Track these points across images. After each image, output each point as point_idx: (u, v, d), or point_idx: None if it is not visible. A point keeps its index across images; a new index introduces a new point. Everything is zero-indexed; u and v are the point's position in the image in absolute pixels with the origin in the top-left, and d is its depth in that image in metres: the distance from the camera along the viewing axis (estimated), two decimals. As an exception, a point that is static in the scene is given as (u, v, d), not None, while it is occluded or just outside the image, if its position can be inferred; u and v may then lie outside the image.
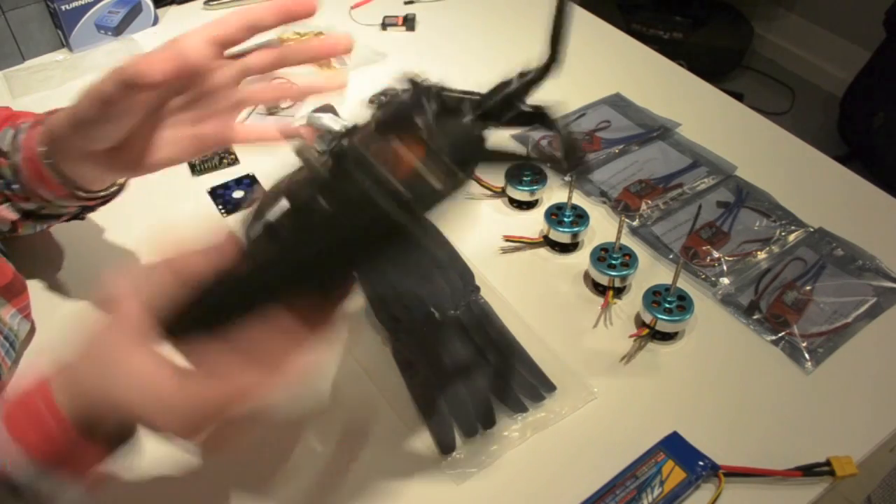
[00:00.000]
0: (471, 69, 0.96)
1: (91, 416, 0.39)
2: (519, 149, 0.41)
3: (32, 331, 0.63)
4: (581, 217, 0.70)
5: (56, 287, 0.68)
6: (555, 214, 0.70)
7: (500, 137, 0.42)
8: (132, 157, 0.52)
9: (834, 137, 2.09)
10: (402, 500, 0.53)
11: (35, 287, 0.67)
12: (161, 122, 0.52)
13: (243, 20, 0.49)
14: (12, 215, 0.60)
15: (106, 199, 0.60)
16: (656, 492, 0.52)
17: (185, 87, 0.51)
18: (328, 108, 0.83)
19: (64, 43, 1.00)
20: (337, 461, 0.55)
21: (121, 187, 0.61)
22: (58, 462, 0.39)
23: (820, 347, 0.62)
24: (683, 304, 0.62)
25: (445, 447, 0.55)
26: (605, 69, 0.96)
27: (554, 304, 0.66)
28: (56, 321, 0.64)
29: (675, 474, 0.52)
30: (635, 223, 0.73)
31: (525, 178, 0.74)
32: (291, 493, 0.53)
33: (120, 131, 0.49)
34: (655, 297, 0.62)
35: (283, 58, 0.52)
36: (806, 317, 0.64)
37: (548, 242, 0.71)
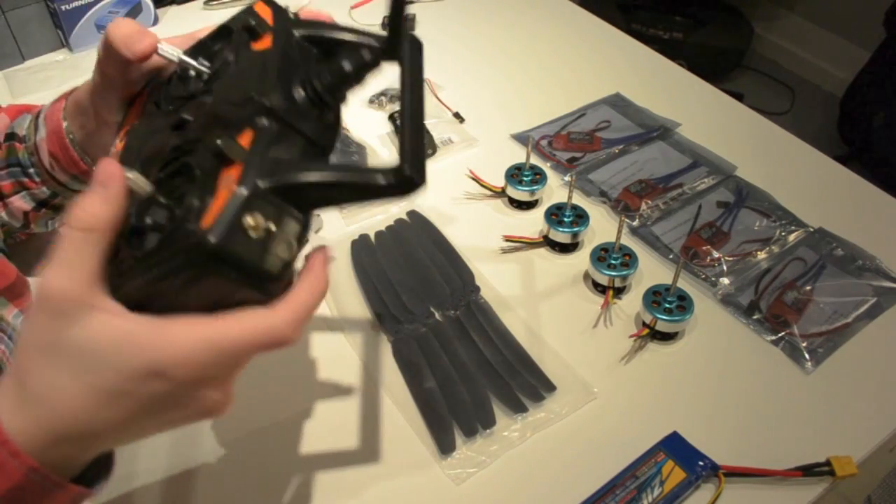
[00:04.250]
0: (471, 69, 0.96)
1: (62, 451, 0.34)
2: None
3: None
4: (581, 217, 0.70)
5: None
6: (555, 214, 0.70)
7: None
8: None
9: (834, 137, 2.09)
10: (402, 500, 0.53)
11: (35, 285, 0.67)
12: None
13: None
14: (26, 205, 0.60)
15: None
16: (656, 492, 0.52)
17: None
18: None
19: (64, 43, 1.00)
20: (337, 461, 0.55)
21: None
22: None
23: (820, 347, 0.62)
24: (683, 304, 0.62)
25: (445, 447, 0.55)
26: (605, 69, 0.96)
27: (554, 304, 0.66)
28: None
29: (675, 474, 0.52)
30: (635, 223, 0.73)
31: (525, 178, 0.74)
32: (291, 493, 0.53)
33: (124, 96, 0.48)
34: (655, 297, 0.62)
35: None
36: (806, 317, 0.64)
37: (548, 242, 0.71)
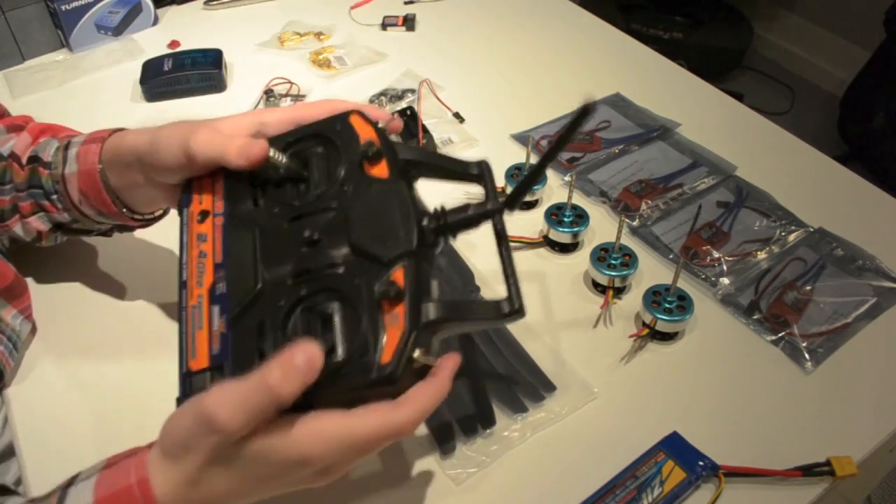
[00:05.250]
0: (471, 69, 0.96)
1: None
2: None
3: (34, 330, 0.63)
4: (581, 217, 0.70)
5: (57, 287, 0.68)
6: (555, 214, 0.70)
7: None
8: None
9: (834, 137, 2.09)
10: (402, 499, 0.53)
11: (36, 287, 0.67)
12: None
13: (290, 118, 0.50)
14: (43, 226, 0.60)
15: (147, 223, 0.60)
16: (656, 492, 0.52)
17: None
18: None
19: (64, 43, 1.00)
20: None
21: (165, 211, 0.61)
22: None
23: (820, 347, 0.62)
24: (683, 304, 0.62)
25: (445, 447, 0.55)
26: (605, 69, 0.96)
27: (554, 304, 0.66)
28: (57, 321, 0.65)
29: (675, 474, 0.52)
30: (635, 223, 0.73)
31: (525, 178, 0.74)
32: (291, 493, 0.53)
33: (183, 177, 0.49)
34: (655, 297, 0.62)
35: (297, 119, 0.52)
36: (806, 317, 0.64)
37: (548, 242, 0.71)
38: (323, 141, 0.47)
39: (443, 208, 0.45)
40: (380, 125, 0.47)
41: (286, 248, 0.44)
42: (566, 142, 0.39)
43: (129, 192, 0.55)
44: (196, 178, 0.49)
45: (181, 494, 0.39)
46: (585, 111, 0.37)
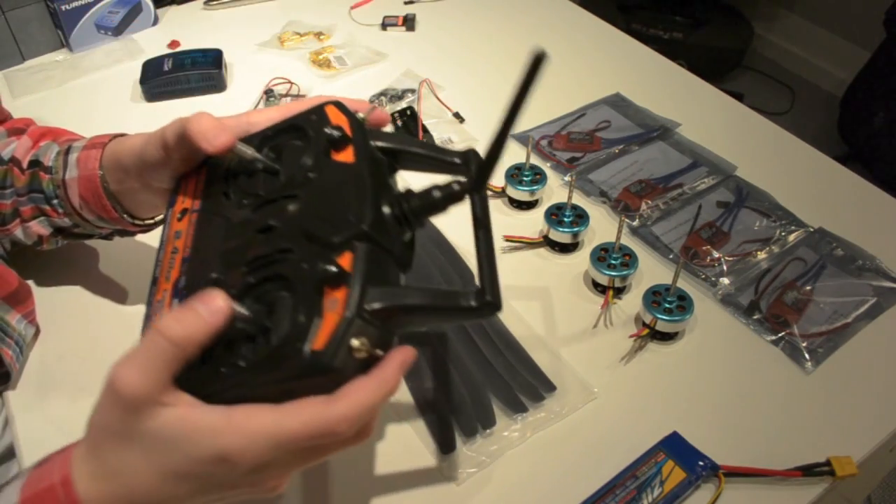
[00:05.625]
0: (471, 69, 0.96)
1: None
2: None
3: (38, 332, 0.64)
4: (581, 217, 0.70)
5: (58, 290, 0.68)
6: (555, 214, 0.70)
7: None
8: None
9: (834, 137, 2.09)
10: (402, 500, 0.53)
11: (38, 290, 0.67)
12: None
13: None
14: (44, 230, 0.60)
15: (148, 228, 0.60)
16: (656, 492, 0.52)
17: None
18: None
19: (64, 43, 1.00)
20: (337, 460, 0.55)
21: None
22: None
23: (820, 347, 0.62)
24: (683, 304, 0.62)
25: (445, 447, 0.55)
26: (605, 69, 0.96)
27: (554, 304, 0.66)
28: (57, 323, 0.65)
29: (675, 474, 0.52)
30: (635, 223, 0.73)
31: (525, 178, 0.74)
32: (291, 493, 0.53)
33: (179, 173, 0.49)
34: (655, 297, 0.62)
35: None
36: (806, 317, 0.64)
37: (548, 242, 0.71)
38: (299, 132, 0.45)
39: (408, 191, 0.42)
40: (360, 115, 0.45)
41: (246, 237, 0.42)
42: (522, 102, 0.36)
43: (128, 198, 0.55)
44: (183, 179, 0.49)
45: (103, 490, 0.37)
46: (537, 62, 0.34)
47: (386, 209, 0.41)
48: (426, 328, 0.59)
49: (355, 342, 0.36)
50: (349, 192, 0.40)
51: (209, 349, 0.37)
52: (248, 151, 0.44)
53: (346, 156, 0.42)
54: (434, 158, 0.46)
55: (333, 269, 0.36)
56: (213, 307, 0.36)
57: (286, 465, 0.38)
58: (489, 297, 0.39)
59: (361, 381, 0.36)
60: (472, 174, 0.43)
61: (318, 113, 0.45)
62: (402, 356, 0.38)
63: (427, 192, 0.42)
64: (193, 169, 0.48)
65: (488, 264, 0.40)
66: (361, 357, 0.36)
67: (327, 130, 0.43)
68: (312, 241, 0.38)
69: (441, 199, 0.41)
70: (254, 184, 0.44)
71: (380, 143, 0.45)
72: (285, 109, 0.47)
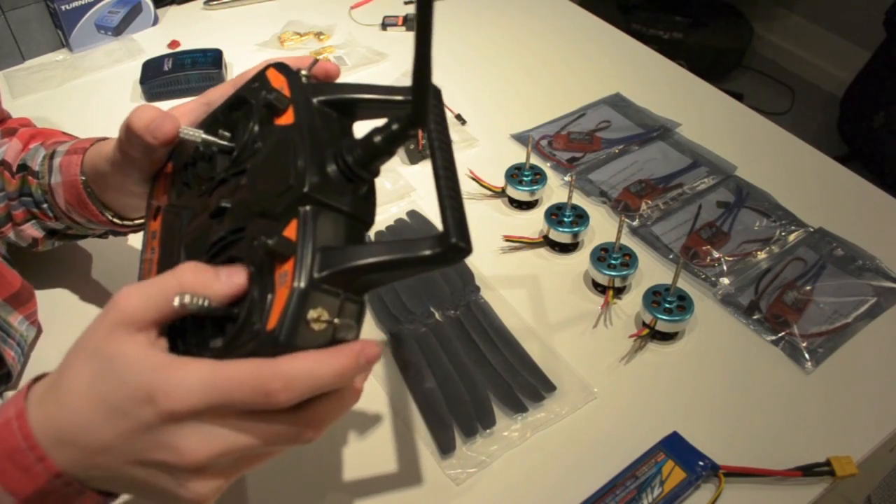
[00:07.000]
0: (471, 69, 0.96)
1: (67, 455, 0.34)
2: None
3: (39, 333, 0.64)
4: (581, 217, 0.70)
5: (59, 290, 0.68)
6: (555, 214, 0.70)
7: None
8: None
9: (834, 137, 2.09)
10: (402, 500, 0.53)
11: (38, 290, 0.67)
12: None
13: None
14: (37, 233, 0.60)
15: (138, 228, 0.60)
16: (656, 492, 0.52)
17: None
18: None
19: (64, 43, 1.00)
20: (337, 460, 0.55)
21: None
22: None
23: (820, 347, 0.62)
24: (683, 304, 0.62)
25: (445, 447, 0.55)
26: (605, 69, 0.96)
27: (554, 304, 0.66)
28: (58, 322, 0.65)
29: (675, 474, 0.52)
30: (635, 223, 0.73)
31: (525, 179, 0.74)
32: (291, 493, 0.53)
33: (148, 172, 0.48)
34: (655, 297, 0.62)
35: None
36: (806, 317, 0.64)
37: (548, 242, 0.71)
38: (244, 104, 0.43)
39: (350, 142, 0.38)
40: (302, 72, 0.42)
41: (204, 223, 0.40)
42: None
43: (113, 201, 0.55)
44: (156, 177, 0.48)
45: (48, 411, 0.35)
46: None
47: (332, 167, 0.37)
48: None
49: (312, 313, 0.33)
50: (288, 156, 0.37)
51: (182, 337, 0.37)
52: (193, 134, 0.42)
53: (288, 118, 0.40)
54: (384, 101, 0.42)
55: (274, 241, 0.34)
56: (234, 277, 0.36)
57: (212, 437, 0.34)
58: (454, 240, 0.34)
59: (309, 352, 0.34)
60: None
61: (259, 79, 0.43)
62: (361, 346, 0.36)
63: (367, 138, 0.37)
64: (164, 165, 0.48)
65: (452, 202, 0.36)
66: (321, 328, 0.34)
67: (265, 95, 0.40)
68: (264, 216, 0.36)
69: (383, 142, 0.37)
70: (213, 167, 0.42)
71: (323, 97, 0.41)
72: (236, 80, 0.46)
